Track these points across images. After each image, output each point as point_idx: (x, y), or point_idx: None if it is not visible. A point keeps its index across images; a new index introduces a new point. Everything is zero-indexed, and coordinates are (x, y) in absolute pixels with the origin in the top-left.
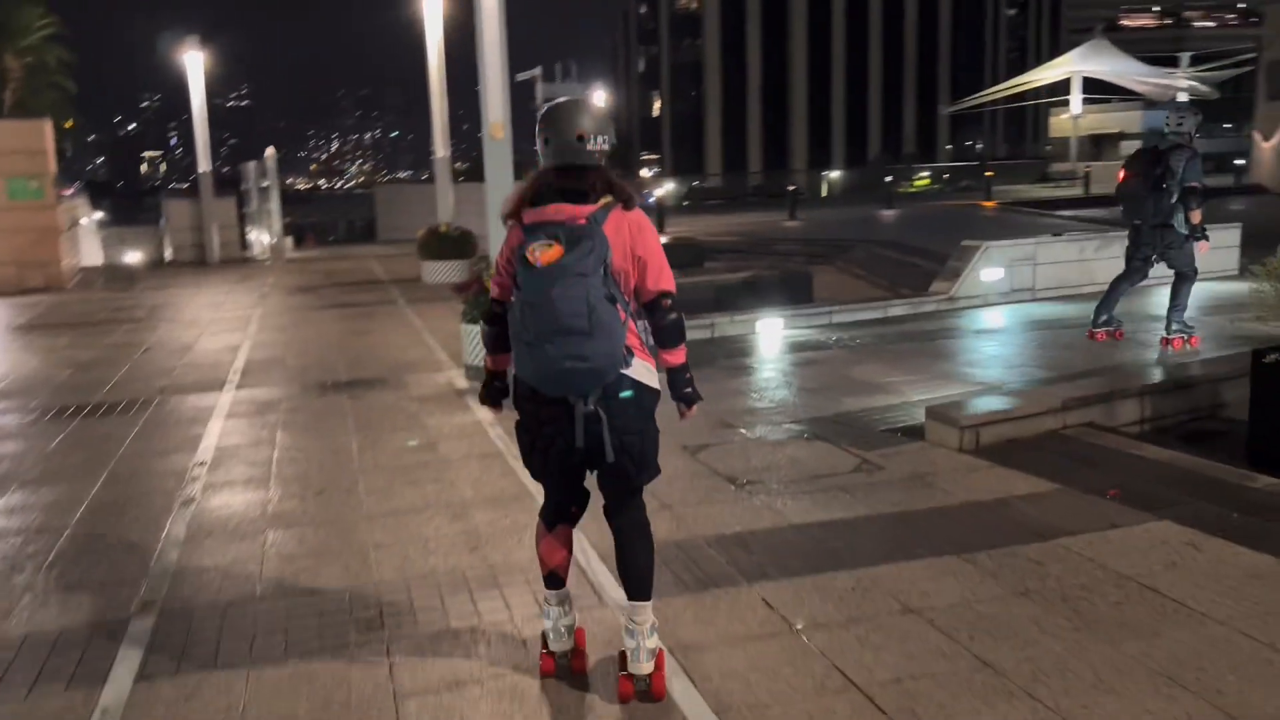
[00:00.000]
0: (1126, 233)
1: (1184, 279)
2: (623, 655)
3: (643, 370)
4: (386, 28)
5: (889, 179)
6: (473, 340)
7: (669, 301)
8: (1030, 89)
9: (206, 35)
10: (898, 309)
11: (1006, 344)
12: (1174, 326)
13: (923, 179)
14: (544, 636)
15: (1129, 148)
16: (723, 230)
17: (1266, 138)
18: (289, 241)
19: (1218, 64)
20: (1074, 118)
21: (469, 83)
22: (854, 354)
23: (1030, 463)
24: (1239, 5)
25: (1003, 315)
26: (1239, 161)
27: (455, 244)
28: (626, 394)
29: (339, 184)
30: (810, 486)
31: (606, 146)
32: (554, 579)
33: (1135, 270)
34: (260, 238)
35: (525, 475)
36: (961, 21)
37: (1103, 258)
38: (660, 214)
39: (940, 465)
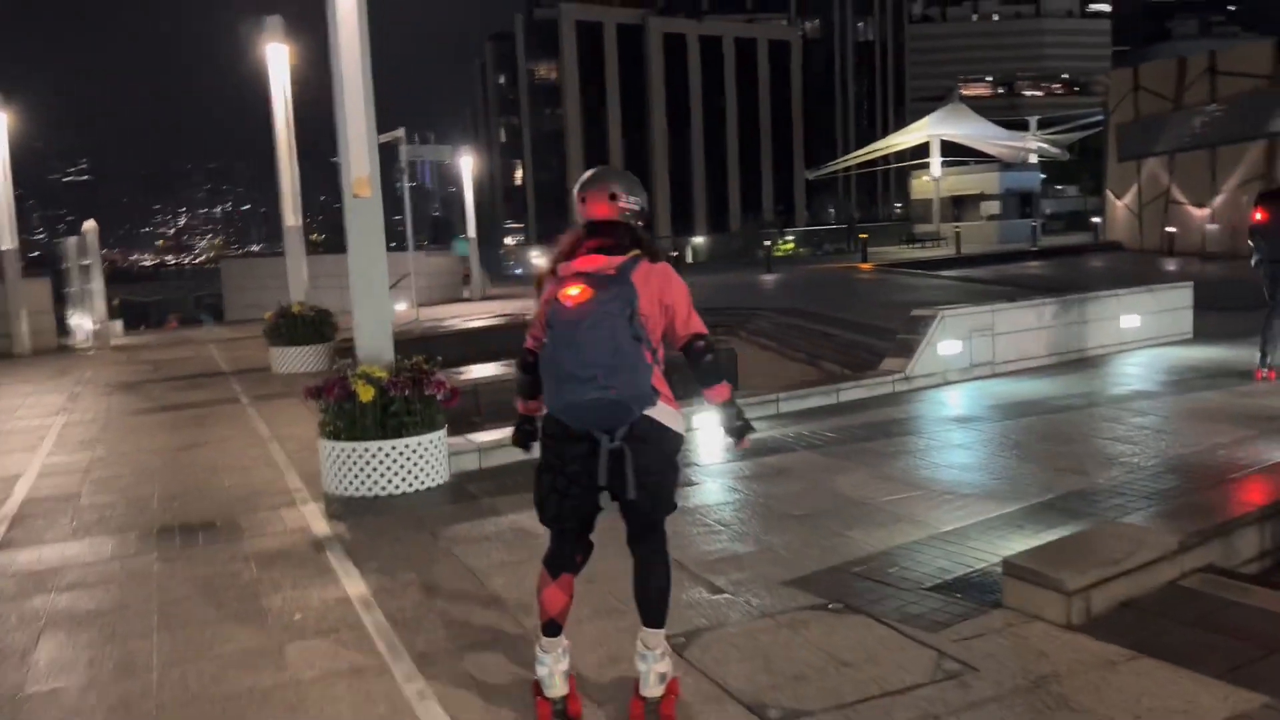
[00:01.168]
0: (1263, 271)
1: None
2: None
3: (667, 414)
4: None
5: (767, 243)
6: (335, 460)
7: (702, 343)
8: (891, 152)
9: (31, 102)
10: (850, 392)
11: (1000, 438)
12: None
13: (788, 243)
14: (537, 685)
15: (989, 208)
16: None
17: (1119, 196)
18: (117, 325)
19: (1065, 127)
20: (935, 180)
21: (325, 148)
22: (828, 458)
23: (1181, 646)
24: (1062, 76)
25: (971, 397)
26: (1096, 220)
27: (311, 326)
28: (648, 433)
29: (188, 259)
30: None
31: (636, 206)
32: (552, 627)
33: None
34: (82, 323)
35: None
36: (813, 91)
37: (1060, 324)
38: (539, 284)
39: (1057, 657)
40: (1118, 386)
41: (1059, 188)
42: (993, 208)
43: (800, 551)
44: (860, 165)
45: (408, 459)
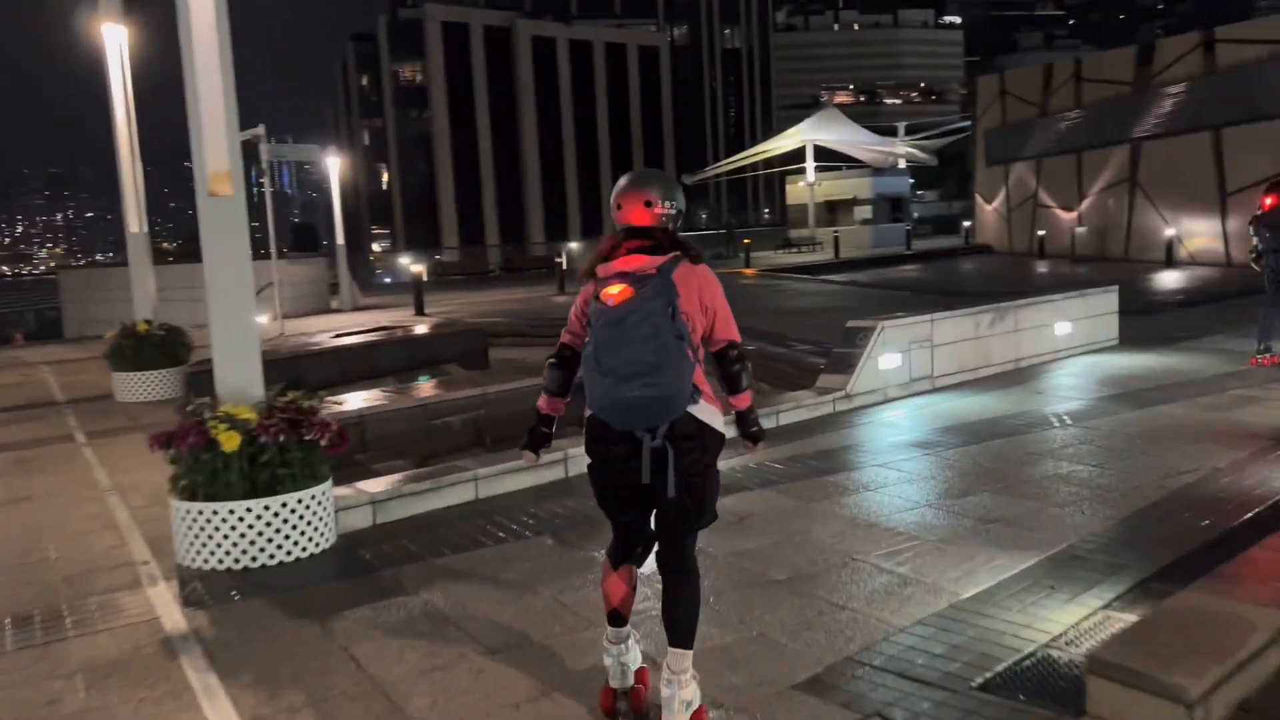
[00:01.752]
0: (1265, 260)
1: None
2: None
3: (709, 413)
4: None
5: None
6: (192, 526)
7: (735, 351)
8: (767, 157)
9: None
10: (791, 414)
11: (973, 467)
12: (1265, 344)
13: None
14: (606, 673)
15: (863, 212)
16: (491, 309)
17: (988, 200)
18: None
19: (933, 132)
20: (810, 185)
21: (179, 151)
22: (792, 498)
23: None
24: (920, 85)
25: (921, 417)
26: (966, 223)
27: (159, 348)
28: (690, 432)
29: (27, 270)
30: None
31: (673, 210)
32: (616, 617)
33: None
34: None
35: None
36: (683, 97)
37: (996, 333)
38: (418, 293)
39: None
40: (1070, 401)
41: (920, 193)
42: (866, 212)
43: (800, 635)
44: (734, 170)
45: (285, 521)
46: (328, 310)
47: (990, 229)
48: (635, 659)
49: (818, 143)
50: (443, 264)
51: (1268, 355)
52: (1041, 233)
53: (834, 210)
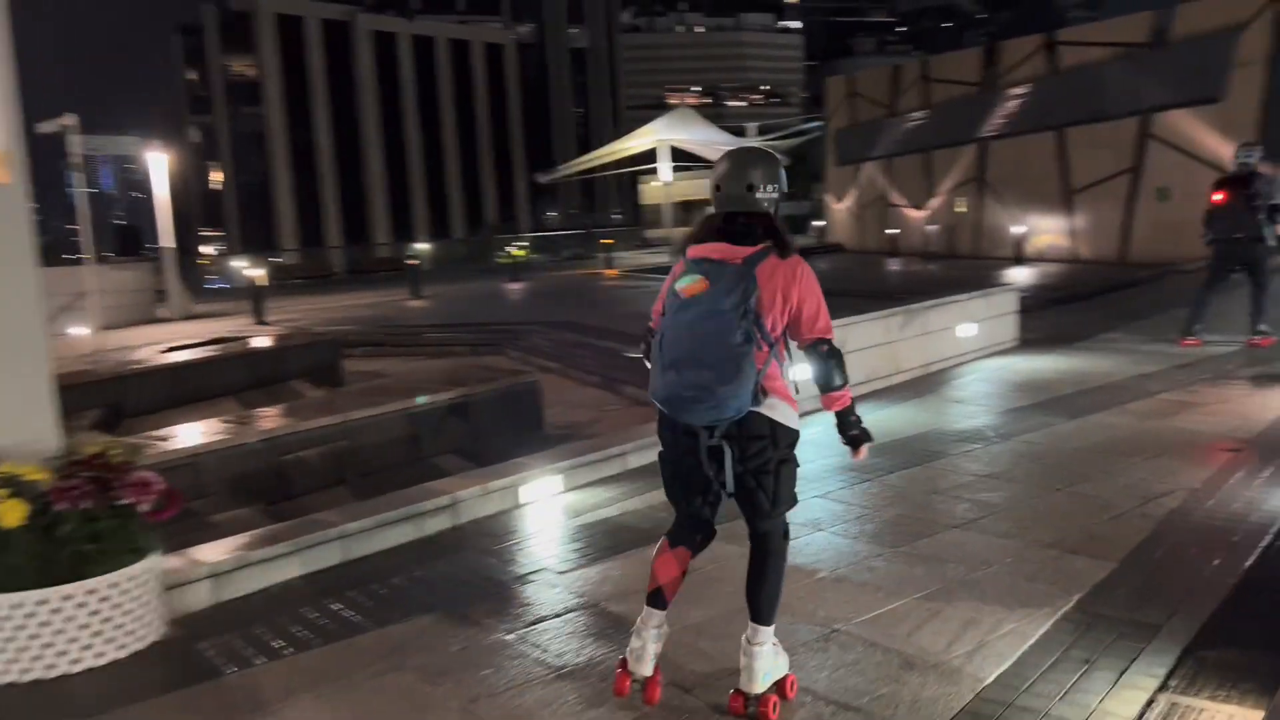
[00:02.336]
0: (1212, 250)
1: (1263, 287)
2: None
3: (782, 411)
4: None
5: (510, 249)
6: None
7: (826, 347)
8: (622, 157)
9: None
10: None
11: (924, 498)
12: (1262, 328)
13: (521, 248)
14: (625, 657)
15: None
16: (340, 316)
17: (838, 200)
18: None
19: (785, 133)
20: (666, 184)
21: None
22: (729, 540)
23: None
24: (762, 87)
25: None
26: (819, 223)
27: None
28: (761, 431)
29: None
30: None
31: (776, 195)
32: (658, 597)
33: (1222, 280)
34: None
35: None
36: (530, 96)
37: (907, 337)
38: (256, 300)
39: None
40: (995, 411)
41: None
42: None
43: None
44: (585, 170)
45: (94, 613)
46: (154, 320)
47: (842, 228)
48: (657, 650)
49: (672, 143)
50: (281, 267)
51: (1193, 337)
52: (894, 231)
53: (689, 210)
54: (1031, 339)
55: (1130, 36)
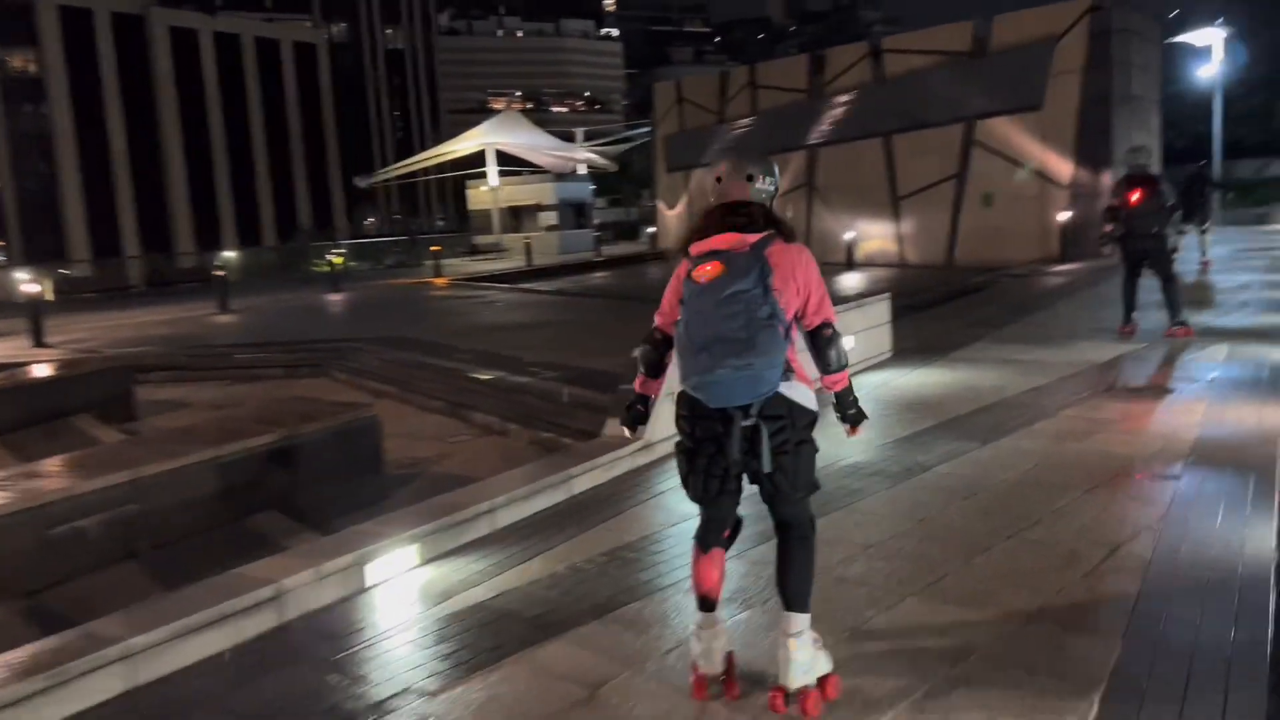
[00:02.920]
0: (1125, 245)
1: (1172, 279)
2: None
3: (800, 391)
4: None
5: (331, 256)
6: None
7: (830, 331)
8: (441, 161)
9: None
10: (584, 478)
11: (856, 545)
12: (1179, 318)
13: (339, 256)
14: (694, 661)
15: (548, 218)
16: (136, 336)
17: (670, 206)
18: None
19: (613, 139)
20: (493, 189)
21: None
22: (631, 630)
23: None
24: (585, 94)
25: None
26: (650, 229)
27: None
28: (779, 411)
29: None
30: None
31: (772, 187)
32: (706, 602)
33: (1137, 272)
34: None
35: None
36: (345, 98)
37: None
38: (34, 318)
39: None
40: (899, 438)
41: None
42: (551, 218)
43: None
44: (407, 174)
45: None
46: None
47: (674, 234)
48: (725, 644)
49: (499, 146)
50: (71, 279)
51: (1128, 325)
52: None
53: (518, 216)
54: (905, 350)
55: (952, 45)
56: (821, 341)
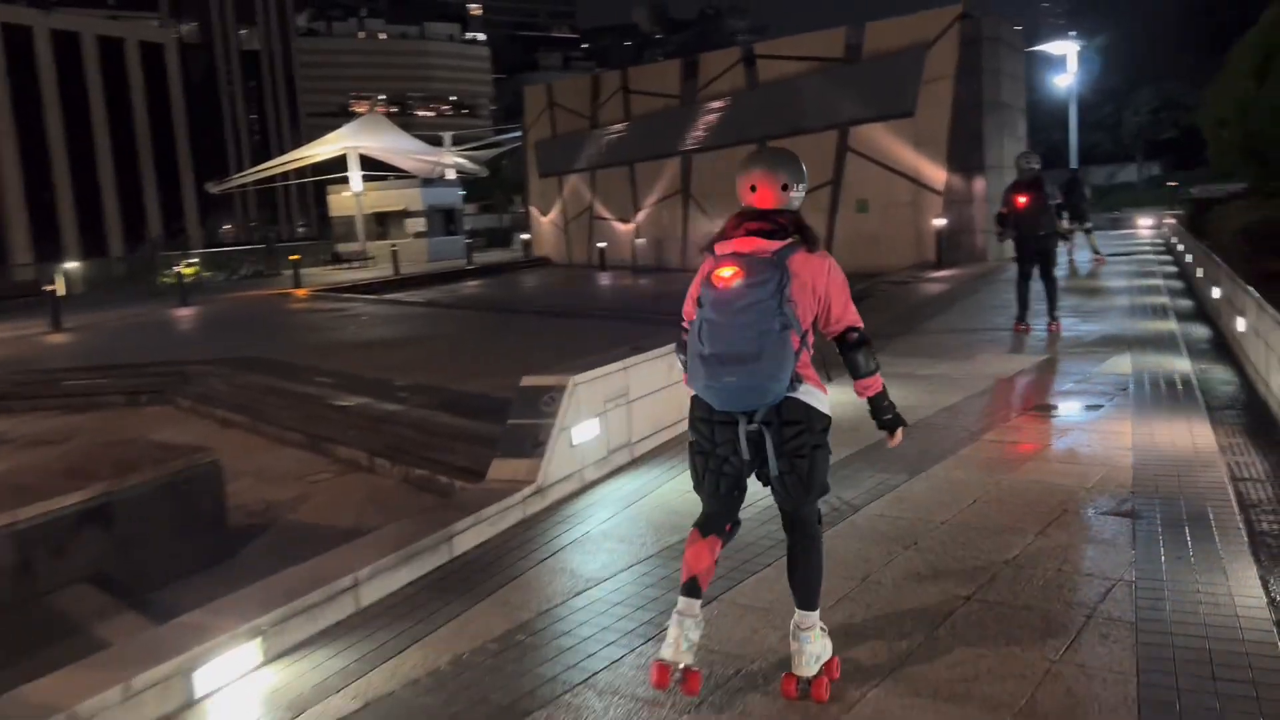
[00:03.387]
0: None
1: (1054, 278)
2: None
3: (815, 396)
4: None
5: (179, 268)
6: None
7: (856, 335)
8: (300, 165)
9: None
10: (468, 535)
11: (785, 607)
12: (1057, 313)
13: (191, 266)
14: (661, 650)
15: (415, 224)
16: None
17: (543, 213)
18: None
19: (482, 143)
20: (357, 195)
21: None
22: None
23: None
24: (451, 98)
25: (648, 520)
26: (524, 236)
27: None
28: (796, 417)
29: None
30: None
31: (803, 194)
32: (692, 587)
33: (1029, 274)
34: None
35: None
36: (197, 101)
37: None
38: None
39: None
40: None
41: (464, 206)
42: (419, 225)
43: None
44: (265, 179)
45: None
46: None
47: (548, 241)
48: (696, 636)
49: (362, 150)
50: None
51: (1021, 324)
52: (602, 244)
53: (384, 223)
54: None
55: (825, 52)
56: (847, 347)
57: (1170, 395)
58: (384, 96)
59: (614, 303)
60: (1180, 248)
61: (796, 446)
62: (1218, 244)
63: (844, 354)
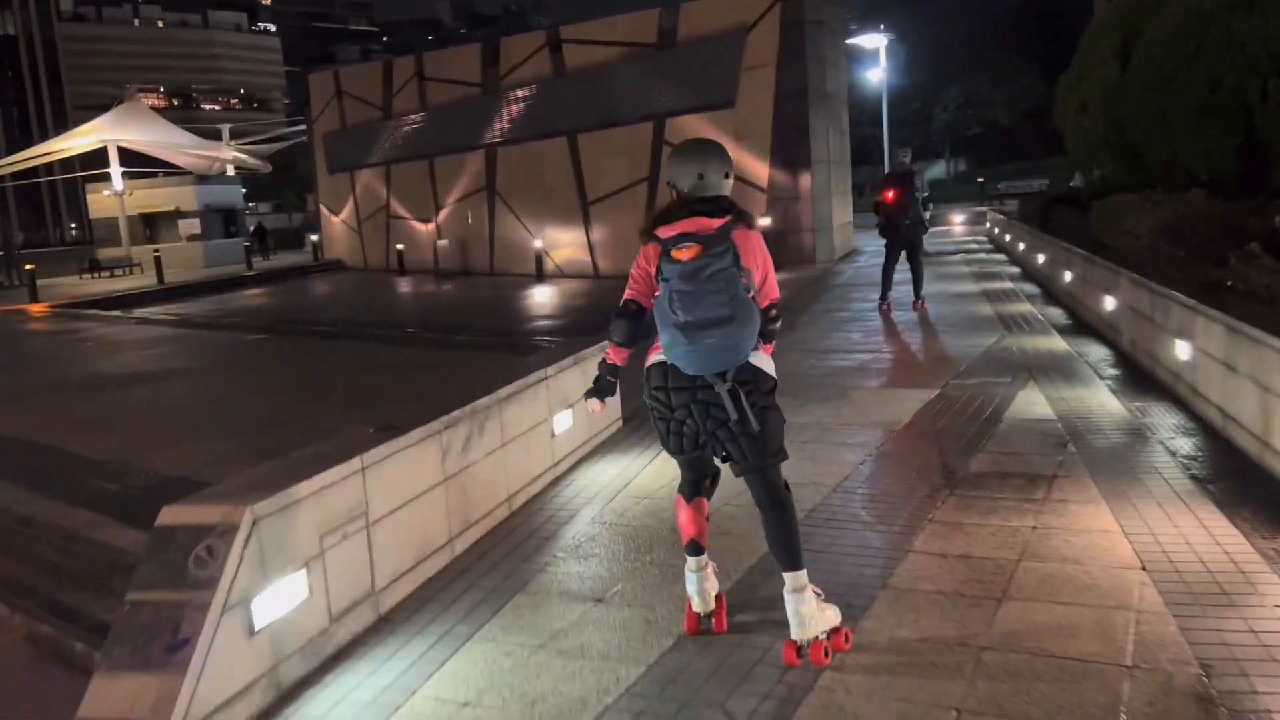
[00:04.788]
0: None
1: (920, 264)
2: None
3: (763, 359)
4: None
5: None
6: None
7: (775, 311)
8: (55, 160)
9: None
10: None
11: None
12: (922, 294)
13: None
14: (688, 599)
15: (189, 225)
16: None
17: (335, 212)
18: None
19: (264, 137)
20: (118, 194)
21: None
22: None
23: None
24: (240, 91)
25: None
26: (314, 237)
27: None
28: (745, 377)
29: None
30: None
31: (731, 180)
32: (694, 546)
33: (897, 258)
34: None
35: None
36: None
37: (475, 459)
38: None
39: None
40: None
41: (252, 204)
42: (193, 226)
43: None
44: (18, 176)
45: None
46: None
47: (341, 243)
48: (714, 585)
49: (122, 143)
50: None
51: (885, 303)
52: (400, 246)
53: (154, 225)
54: (640, 414)
55: (637, 36)
56: (767, 320)
57: (1130, 457)
58: (164, 89)
59: (413, 316)
60: (1021, 246)
61: (749, 405)
62: (1121, 247)
63: (762, 325)
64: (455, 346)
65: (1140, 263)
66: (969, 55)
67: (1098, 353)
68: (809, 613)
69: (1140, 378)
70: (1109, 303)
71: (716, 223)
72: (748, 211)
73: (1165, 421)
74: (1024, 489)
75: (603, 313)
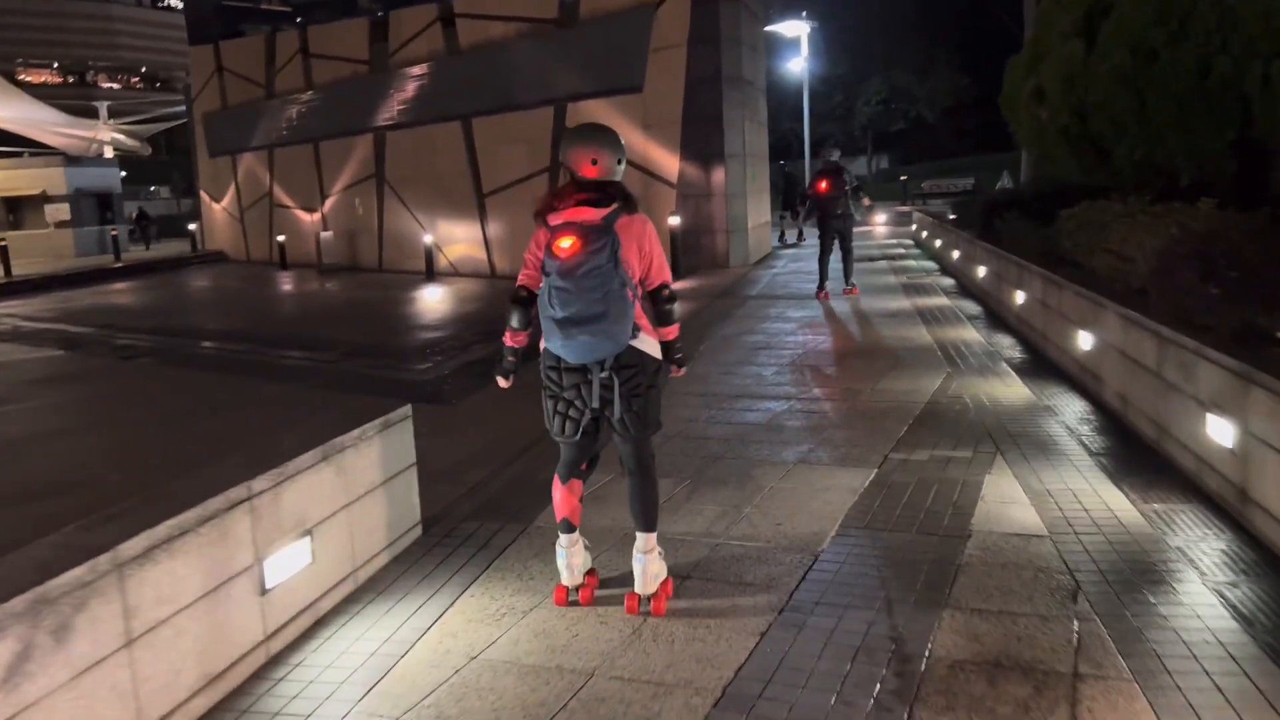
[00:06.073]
0: (820, 228)
1: (850, 252)
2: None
3: (648, 344)
4: None
5: None
6: None
7: (667, 291)
8: None
9: None
10: None
11: None
12: (852, 281)
13: None
14: (561, 574)
15: (57, 211)
16: None
17: (217, 199)
18: None
19: (144, 116)
20: None
21: None
22: None
23: None
24: (142, 70)
25: None
26: (193, 226)
27: None
28: (632, 361)
29: None
30: None
31: (620, 164)
32: (567, 525)
33: (830, 249)
34: None
35: None
36: None
37: (64, 674)
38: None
39: None
40: None
41: (152, 189)
42: (62, 212)
43: None
44: None
45: None
46: None
47: (222, 233)
48: (585, 561)
49: None
50: None
51: (823, 292)
52: (281, 238)
53: (17, 210)
54: (457, 513)
55: (535, 12)
56: (661, 300)
57: (1179, 619)
58: (57, 65)
59: (270, 325)
60: (955, 255)
61: (633, 386)
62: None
63: (656, 306)
64: (289, 376)
65: (1133, 293)
66: (890, 46)
67: (1074, 407)
68: (656, 571)
69: (1143, 452)
70: (1084, 340)
71: (601, 213)
72: (633, 196)
73: (1209, 547)
74: (1028, 708)
75: (496, 320)
